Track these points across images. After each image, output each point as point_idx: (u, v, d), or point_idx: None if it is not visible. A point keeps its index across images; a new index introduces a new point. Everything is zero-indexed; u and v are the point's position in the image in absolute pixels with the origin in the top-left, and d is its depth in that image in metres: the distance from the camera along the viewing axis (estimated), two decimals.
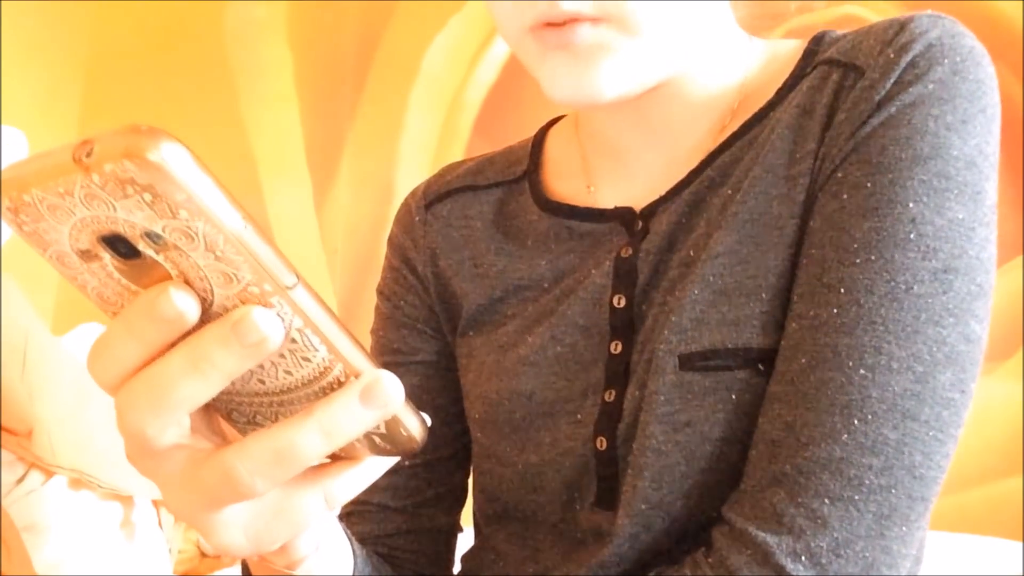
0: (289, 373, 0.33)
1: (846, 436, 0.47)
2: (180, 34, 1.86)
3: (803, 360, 0.49)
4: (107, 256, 0.30)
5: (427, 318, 0.67)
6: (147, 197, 0.27)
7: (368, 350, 0.34)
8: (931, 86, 0.50)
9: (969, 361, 0.49)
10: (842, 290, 0.49)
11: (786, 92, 0.56)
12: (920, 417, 0.47)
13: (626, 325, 0.56)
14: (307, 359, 0.33)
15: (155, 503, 1.44)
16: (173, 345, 0.31)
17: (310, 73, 1.93)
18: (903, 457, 0.47)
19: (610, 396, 0.56)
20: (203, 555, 1.59)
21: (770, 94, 0.57)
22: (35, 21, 1.78)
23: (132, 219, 0.28)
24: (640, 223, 0.58)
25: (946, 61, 0.50)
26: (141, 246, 0.29)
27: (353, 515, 0.66)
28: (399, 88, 1.90)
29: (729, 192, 0.55)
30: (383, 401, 0.33)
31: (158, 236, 0.29)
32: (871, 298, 0.48)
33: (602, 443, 0.55)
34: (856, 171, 0.50)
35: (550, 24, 0.50)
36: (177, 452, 0.34)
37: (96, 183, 0.27)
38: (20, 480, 1.39)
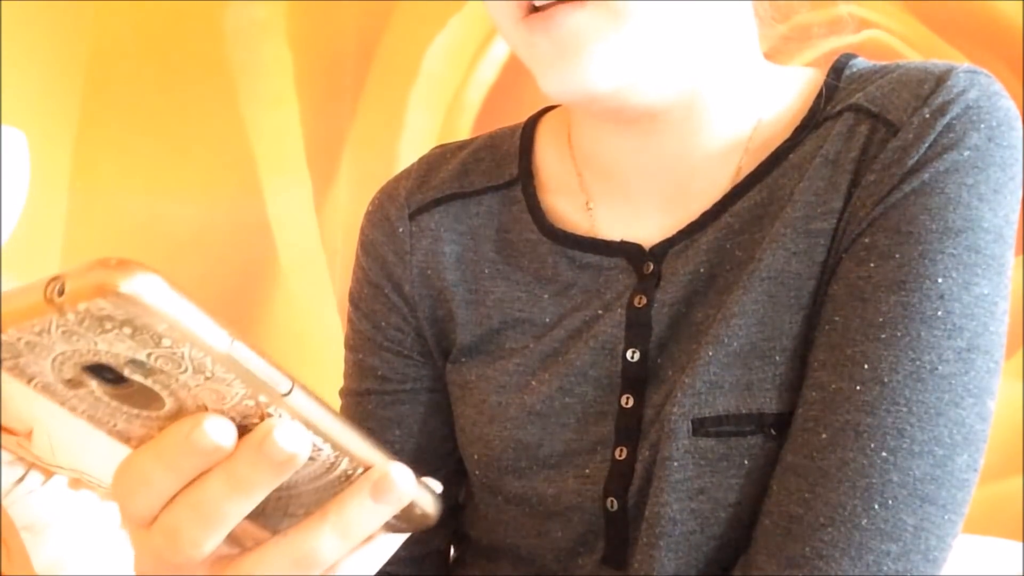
0: (296, 471, 0.33)
1: (866, 520, 0.46)
2: (180, 34, 1.86)
3: (824, 436, 0.48)
4: (94, 383, 0.30)
5: (414, 343, 0.62)
6: (126, 331, 0.27)
7: (373, 440, 0.34)
8: (966, 153, 0.48)
9: (982, 439, 0.48)
10: (866, 366, 0.48)
11: (804, 132, 0.54)
12: (938, 501, 0.46)
13: (639, 379, 0.54)
14: (312, 458, 0.32)
15: None
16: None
17: (310, 73, 1.93)
18: (919, 542, 0.46)
19: (621, 454, 0.54)
20: None
21: (784, 130, 0.55)
22: (35, 21, 1.78)
23: (115, 350, 0.28)
24: (651, 265, 0.55)
25: (982, 126, 0.49)
26: (127, 372, 0.29)
27: None
28: (399, 88, 1.90)
29: (752, 248, 0.53)
30: (396, 495, 0.33)
31: (143, 363, 0.28)
32: (895, 377, 0.47)
33: (613, 504, 0.54)
34: (884, 239, 0.49)
35: (536, 10, 0.49)
36: (196, 566, 0.34)
37: (72, 321, 0.27)
38: (20, 480, 1.39)
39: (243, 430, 0.31)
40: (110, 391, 0.30)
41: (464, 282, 0.60)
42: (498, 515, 0.59)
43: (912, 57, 1.49)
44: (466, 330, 0.60)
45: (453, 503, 0.66)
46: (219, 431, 0.30)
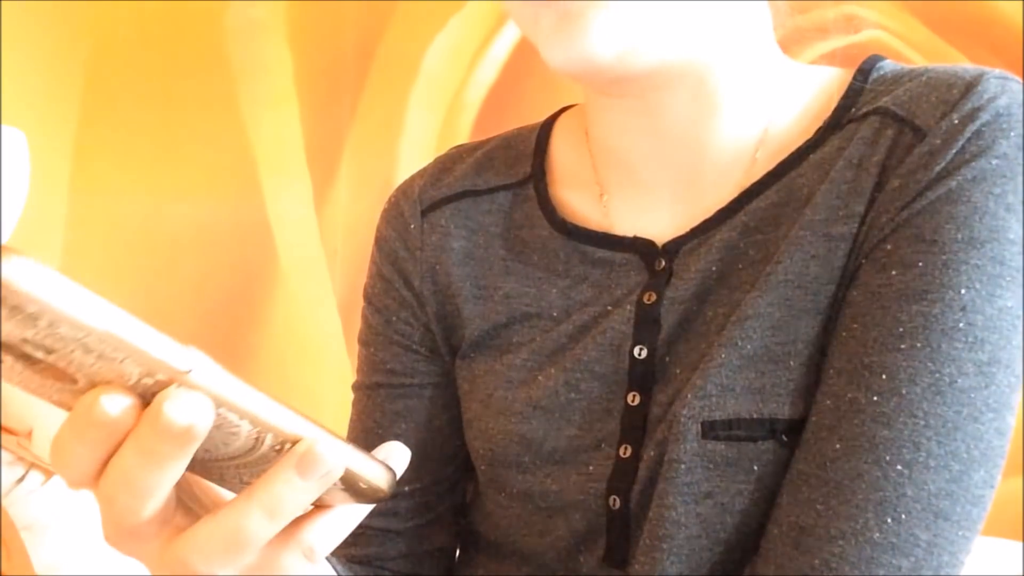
0: (227, 444, 0.33)
1: (878, 535, 0.45)
2: (180, 34, 1.86)
3: (838, 446, 0.47)
4: (9, 359, 0.30)
5: (422, 338, 0.63)
6: (4, 312, 0.27)
7: (302, 412, 0.33)
8: (995, 162, 0.47)
9: (1000, 455, 0.48)
10: (884, 376, 0.47)
11: (828, 132, 0.53)
12: (952, 517, 0.46)
13: (646, 377, 0.54)
14: (234, 434, 0.32)
15: None
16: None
17: (310, 73, 1.93)
18: (932, 558, 0.45)
19: (625, 452, 0.53)
20: None
21: (803, 129, 0.54)
22: (35, 21, 1.78)
23: (5, 328, 0.28)
24: (662, 261, 0.55)
25: (1012, 134, 0.48)
26: (28, 350, 0.29)
27: (355, 539, 0.63)
28: (399, 88, 1.90)
29: (767, 249, 0.52)
30: (322, 469, 0.33)
31: (35, 342, 0.29)
32: (914, 389, 0.46)
33: (615, 502, 0.53)
34: (907, 247, 0.48)
35: None
36: (153, 532, 0.35)
37: None
38: (20, 480, 1.38)
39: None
40: (26, 366, 0.30)
41: (471, 277, 0.60)
42: (502, 512, 0.59)
43: (912, 57, 1.49)
44: (473, 325, 0.60)
45: (460, 501, 0.66)
46: (112, 403, 0.30)
